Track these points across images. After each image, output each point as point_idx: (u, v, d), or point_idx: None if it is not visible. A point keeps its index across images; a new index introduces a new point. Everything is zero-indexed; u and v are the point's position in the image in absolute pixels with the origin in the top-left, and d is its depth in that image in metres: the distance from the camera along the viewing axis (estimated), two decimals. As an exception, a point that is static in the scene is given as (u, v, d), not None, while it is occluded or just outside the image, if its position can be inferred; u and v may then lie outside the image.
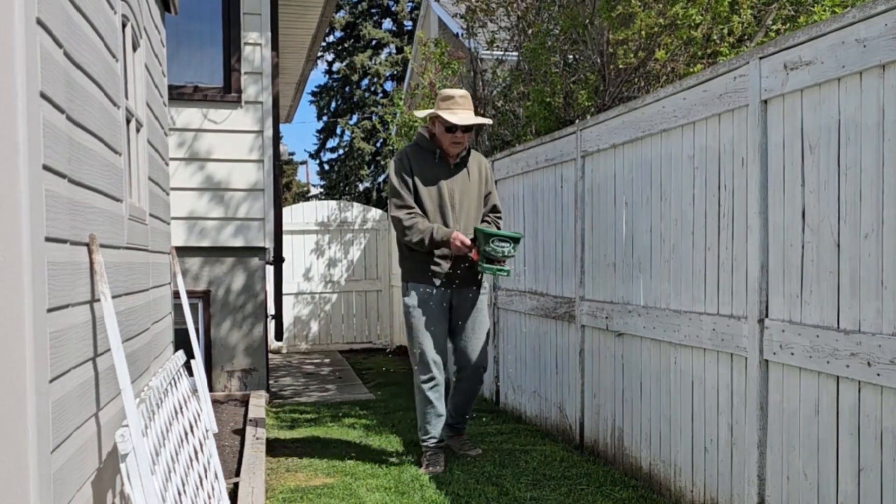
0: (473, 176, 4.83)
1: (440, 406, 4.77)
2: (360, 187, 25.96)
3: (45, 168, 2.13)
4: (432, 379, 4.73)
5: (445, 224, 4.70)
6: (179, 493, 2.87)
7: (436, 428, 4.79)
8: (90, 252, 2.59)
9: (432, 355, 4.71)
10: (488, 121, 4.91)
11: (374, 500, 4.19)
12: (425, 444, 4.84)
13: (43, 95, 2.12)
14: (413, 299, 4.72)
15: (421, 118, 4.81)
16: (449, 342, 4.91)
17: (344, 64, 25.64)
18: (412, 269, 4.75)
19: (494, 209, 4.98)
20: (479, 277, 4.86)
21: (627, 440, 4.55)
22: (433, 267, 4.70)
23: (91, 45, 2.75)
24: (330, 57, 26.01)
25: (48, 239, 2.14)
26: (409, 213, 4.65)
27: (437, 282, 4.70)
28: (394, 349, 11.00)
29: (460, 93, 4.71)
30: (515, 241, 4.49)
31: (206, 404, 4.64)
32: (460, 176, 4.78)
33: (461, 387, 4.96)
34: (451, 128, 4.66)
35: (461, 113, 4.67)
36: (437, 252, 4.69)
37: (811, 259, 3.05)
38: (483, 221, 4.91)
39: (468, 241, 4.57)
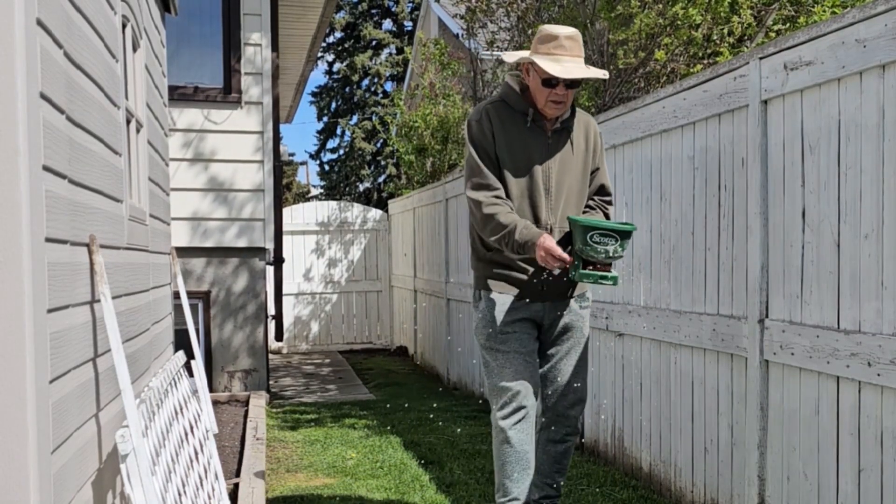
0: (578, 147, 3.42)
1: (527, 454, 3.28)
2: (361, 188, 25.98)
3: (46, 169, 2.13)
4: (518, 410, 3.26)
5: (536, 217, 3.33)
6: (180, 494, 2.87)
7: (519, 486, 3.29)
8: (90, 252, 2.59)
9: (517, 382, 3.27)
10: (603, 74, 3.38)
11: (374, 501, 4.19)
12: None
13: (43, 96, 2.12)
14: (487, 312, 3.36)
15: (511, 63, 3.44)
16: None
17: (344, 64, 25.66)
18: (488, 273, 3.41)
19: (602, 190, 3.54)
20: (577, 285, 3.45)
21: (627, 440, 4.55)
22: (516, 273, 3.35)
23: (91, 45, 2.75)
24: (330, 57, 26.05)
25: (48, 239, 2.14)
26: (493, 197, 3.29)
27: (522, 291, 3.36)
28: (394, 349, 11.02)
29: (567, 32, 3.28)
30: (624, 235, 3.11)
31: (206, 405, 4.64)
32: (561, 148, 3.38)
33: (548, 437, 3.47)
34: (549, 81, 3.25)
35: (567, 61, 3.26)
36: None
37: (811, 259, 3.05)
38: (585, 210, 3.50)
39: (559, 252, 3.13)
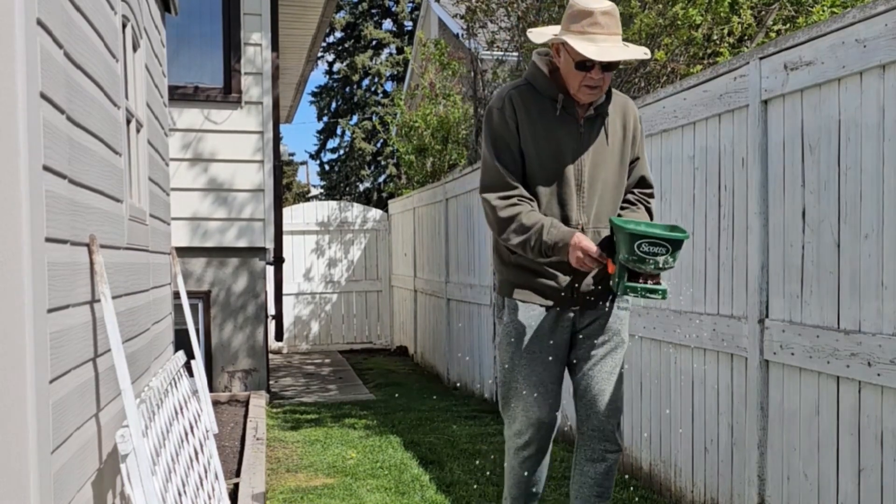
0: (615, 136, 2.99)
1: (538, 482, 3.14)
2: (361, 188, 25.99)
3: (46, 168, 2.13)
4: (528, 445, 3.02)
5: (565, 217, 2.92)
6: (180, 494, 2.87)
7: None
8: (90, 252, 2.59)
9: (534, 409, 2.97)
10: (645, 52, 2.94)
11: (375, 501, 4.19)
12: None
13: (43, 96, 2.12)
14: (512, 325, 3.00)
15: (540, 44, 3.01)
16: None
17: (344, 64, 25.67)
18: (513, 279, 3.02)
19: (642, 182, 3.10)
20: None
21: (627, 440, 4.55)
22: (545, 280, 2.96)
23: (91, 45, 2.75)
24: (330, 57, 26.05)
25: (48, 239, 2.14)
26: (508, 198, 2.88)
27: (552, 301, 2.96)
28: (394, 349, 11.03)
29: (603, 6, 2.82)
30: (676, 245, 2.64)
31: (206, 405, 4.64)
32: (595, 138, 2.96)
33: (586, 456, 3.07)
34: (584, 63, 2.81)
35: (603, 41, 2.81)
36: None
37: (811, 259, 3.05)
38: (624, 205, 3.07)
39: (595, 250, 2.75)
